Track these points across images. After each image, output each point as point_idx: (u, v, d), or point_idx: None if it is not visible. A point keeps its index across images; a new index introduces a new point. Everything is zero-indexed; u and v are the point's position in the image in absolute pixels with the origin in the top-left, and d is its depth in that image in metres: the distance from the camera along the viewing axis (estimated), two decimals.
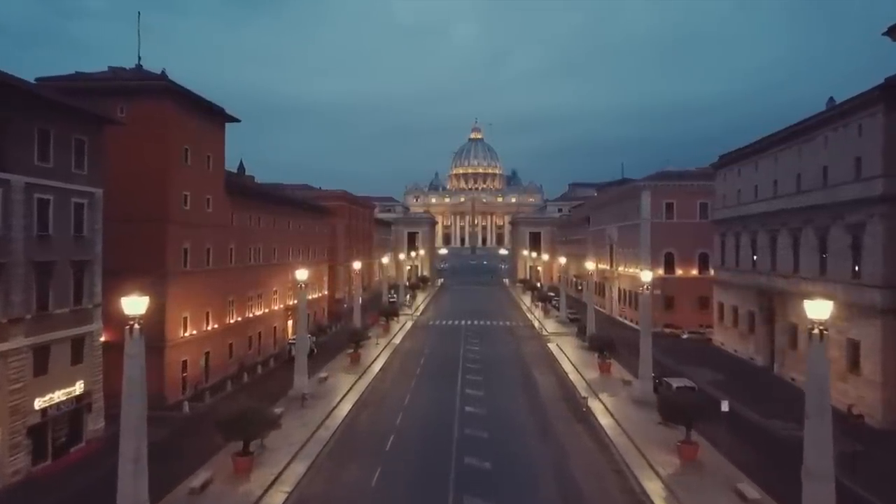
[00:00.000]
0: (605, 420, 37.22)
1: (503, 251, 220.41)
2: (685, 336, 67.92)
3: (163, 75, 43.37)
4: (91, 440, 32.76)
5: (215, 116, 49.16)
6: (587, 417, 38.33)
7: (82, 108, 32.78)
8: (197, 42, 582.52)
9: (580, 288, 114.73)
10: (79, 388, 32.05)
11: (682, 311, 73.30)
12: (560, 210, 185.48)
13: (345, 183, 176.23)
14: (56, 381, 30.47)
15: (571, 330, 72.45)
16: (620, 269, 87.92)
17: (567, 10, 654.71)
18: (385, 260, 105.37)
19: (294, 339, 53.29)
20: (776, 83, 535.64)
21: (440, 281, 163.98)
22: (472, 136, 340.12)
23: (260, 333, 58.47)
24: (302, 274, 44.07)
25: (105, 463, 27.09)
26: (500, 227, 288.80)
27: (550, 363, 56.55)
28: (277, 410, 35.88)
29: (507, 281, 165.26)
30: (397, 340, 67.76)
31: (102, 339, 34.45)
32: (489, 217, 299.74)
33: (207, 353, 47.14)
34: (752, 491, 25.58)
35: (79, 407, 32.21)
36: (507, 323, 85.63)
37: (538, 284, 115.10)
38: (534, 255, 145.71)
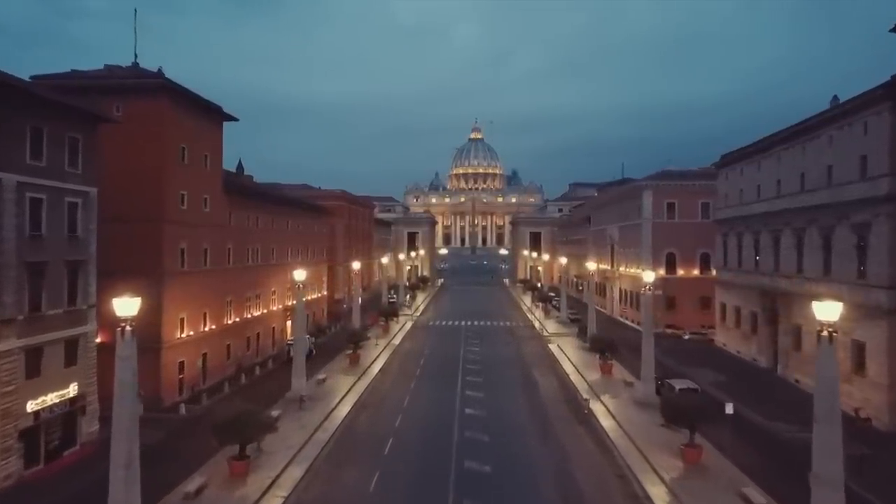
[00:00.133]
0: (606, 422, 36.72)
1: (503, 251, 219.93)
2: (687, 337, 67.42)
3: (159, 73, 42.85)
4: (85, 443, 32.22)
5: (213, 115, 48.67)
6: (589, 419, 37.84)
7: (76, 105, 32.29)
8: (196, 42, 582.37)
9: (581, 288, 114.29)
10: (73, 390, 31.53)
11: (683, 312, 72.81)
12: (560, 210, 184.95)
13: (345, 183, 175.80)
14: (49, 383, 29.93)
15: (572, 330, 71.96)
16: (621, 269, 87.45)
17: (569, 11, 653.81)
18: (385, 260, 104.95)
19: (293, 340, 52.82)
20: (777, 83, 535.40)
21: (440, 281, 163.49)
22: (473, 136, 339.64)
23: (258, 334, 57.99)
24: (300, 274, 43.58)
25: (99, 466, 26.47)
26: (500, 227, 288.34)
27: (551, 364, 56.08)
28: (274, 413, 35.49)
29: (507, 281, 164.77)
30: (397, 341, 67.28)
31: (98, 340, 33.96)
32: (489, 217, 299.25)
33: (205, 355, 46.65)
34: (758, 496, 25.07)
35: (73, 409, 31.67)
36: (508, 323, 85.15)
37: (538, 284, 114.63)
38: (534, 255, 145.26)
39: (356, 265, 77.54)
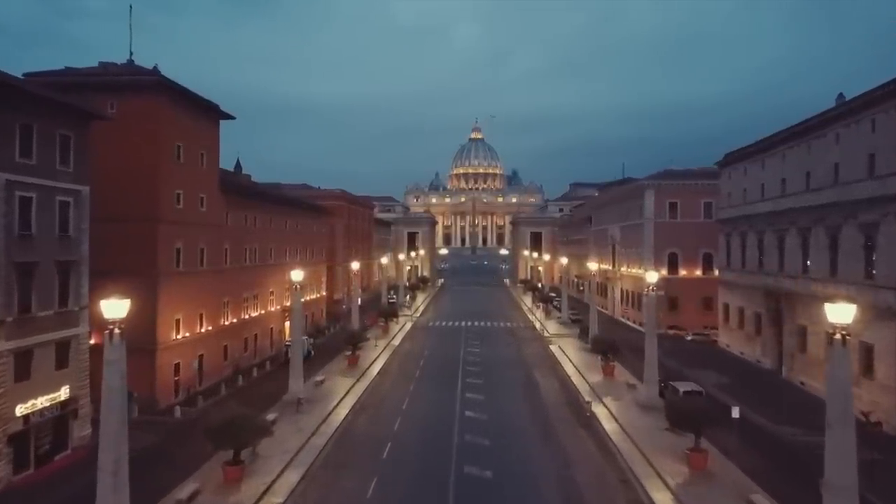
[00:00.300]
0: (609, 425, 36.02)
1: (504, 251, 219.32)
2: (689, 338, 66.68)
3: (154, 70, 42.18)
4: (77, 447, 31.50)
5: (209, 113, 47.99)
6: (591, 422, 37.15)
7: (67, 102, 31.61)
8: (195, 42, 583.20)
9: (581, 288, 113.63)
10: (64, 393, 30.83)
11: (686, 313, 72.14)
12: (561, 210, 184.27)
13: (344, 183, 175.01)
14: (39, 386, 29.21)
15: (573, 331, 71.27)
16: (623, 269, 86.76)
17: (569, 11, 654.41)
18: (384, 260, 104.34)
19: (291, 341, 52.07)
20: (778, 83, 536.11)
21: (440, 281, 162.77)
22: (473, 136, 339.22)
23: (256, 335, 57.34)
24: (297, 274, 42.82)
25: (91, 471, 25.53)
26: (500, 228, 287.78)
27: (552, 365, 55.39)
28: (271, 416, 34.79)
29: (507, 281, 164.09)
30: (396, 342, 66.61)
31: (92, 342, 33.23)
32: (490, 217, 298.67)
33: (201, 356, 45.96)
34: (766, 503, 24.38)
35: (64, 413, 30.97)
36: (508, 324, 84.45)
37: (539, 285, 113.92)
38: (535, 255, 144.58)
39: (355, 265, 76.89)
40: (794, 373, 47.47)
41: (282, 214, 65.27)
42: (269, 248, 60.77)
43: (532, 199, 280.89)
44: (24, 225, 28.43)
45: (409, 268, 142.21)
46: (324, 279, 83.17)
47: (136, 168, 39.75)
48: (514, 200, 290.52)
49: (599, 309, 74.70)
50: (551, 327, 77.81)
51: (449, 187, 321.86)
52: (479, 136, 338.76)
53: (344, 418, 37.92)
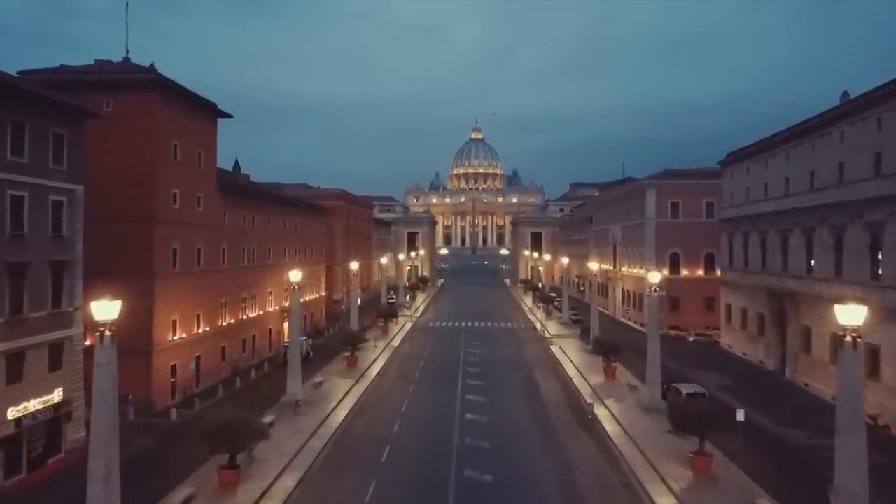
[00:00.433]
0: (611, 428, 35.48)
1: (504, 251, 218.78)
2: (691, 338, 66.19)
3: (151, 68, 41.70)
4: (71, 450, 31.02)
5: (207, 112, 47.55)
6: (593, 425, 36.62)
7: (60, 100, 31.10)
8: (195, 41, 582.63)
9: (582, 289, 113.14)
10: (57, 396, 30.33)
11: (687, 313, 71.61)
12: (561, 210, 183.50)
13: (344, 183, 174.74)
14: (31, 388, 28.72)
15: (574, 332, 70.71)
16: (624, 269, 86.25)
17: (570, 11, 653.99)
18: (384, 260, 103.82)
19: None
20: (779, 83, 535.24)
21: (440, 281, 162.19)
22: (473, 135, 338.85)
23: (254, 336, 56.86)
24: (295, 275, 42.26)
25: (85, 474, 25.41)
26: (500, 228, 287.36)
27: (553, 367, 54.86)
28: (268, 418, 34.33)
29: (508, 281, 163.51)
30: (396, 343, 66.07)
31: (87, 343, 32.70)
32: (490, 217, 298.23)
33: (198, 357, 45.48)
34: None
35: (57, 416, 30.50)
36: (509, 325, 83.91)
37: (540, 285, 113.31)
38: (535, 255, 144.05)
39: (355, 265, 76.37)
40: (798, 374, 46.95)
41: (280, 214, 64.78)
42: (268, 248, 60.28)
43: (532, 199, 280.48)
44: (16, 224, 27.98)
45: (408, 268, 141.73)
46: (323, 279, 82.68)
47: (132, 167, 39.30)
48: (514, 200, 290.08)
49: (600, 309, 74.17)
50: (552, 328, 77.26)
51: (449, 187, 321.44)
52: (480, 136, 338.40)
53: (342, 420, 37.39)
